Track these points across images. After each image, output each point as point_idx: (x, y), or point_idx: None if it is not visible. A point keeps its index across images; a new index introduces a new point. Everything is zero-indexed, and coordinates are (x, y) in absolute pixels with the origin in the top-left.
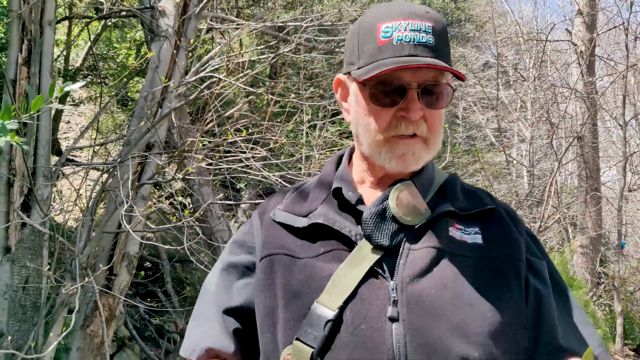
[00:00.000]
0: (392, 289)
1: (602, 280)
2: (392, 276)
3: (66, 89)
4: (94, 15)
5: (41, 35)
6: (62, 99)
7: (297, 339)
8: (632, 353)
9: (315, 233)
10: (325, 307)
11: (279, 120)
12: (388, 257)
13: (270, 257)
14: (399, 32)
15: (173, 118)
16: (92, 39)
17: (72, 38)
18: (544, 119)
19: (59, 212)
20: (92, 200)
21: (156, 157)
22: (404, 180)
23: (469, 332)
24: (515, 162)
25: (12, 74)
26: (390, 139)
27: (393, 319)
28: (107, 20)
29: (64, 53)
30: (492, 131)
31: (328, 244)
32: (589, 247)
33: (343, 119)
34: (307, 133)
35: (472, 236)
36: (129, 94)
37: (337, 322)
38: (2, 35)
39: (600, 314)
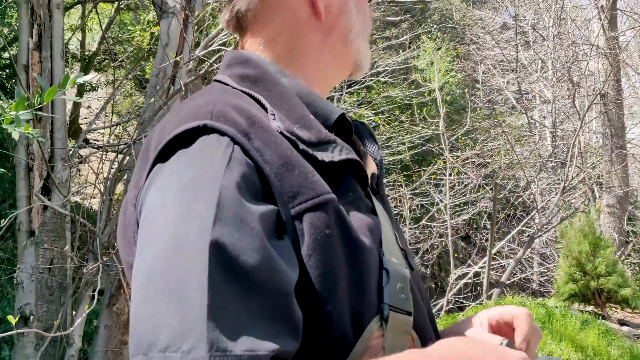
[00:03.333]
0: (397, 239)
1: (630, 239)
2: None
3: (79, 80)
4: None
5: (50, 19)
6: (80, 89)
7: (392, 307)
8: None
9: (336, 171)
10: (396, 263)
11: None
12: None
13: (322, 204)
14: None
15: (188, 94)
16: (105, 23)
17: (85, 22)
18: (565, 78)
19: (78, 193)
20: (109, 180)
21: None
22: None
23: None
24: (537, 123)
25: (24, 59)
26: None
27: (414, 269)
28: (120, 3)
29: (79, 38)
30: (513, 94)
31: (352, 186)
32: (616, 206)
33: (361, 89)
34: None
35: None
36: (146, 75)
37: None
38: (14, 24)
39: (629, 273)
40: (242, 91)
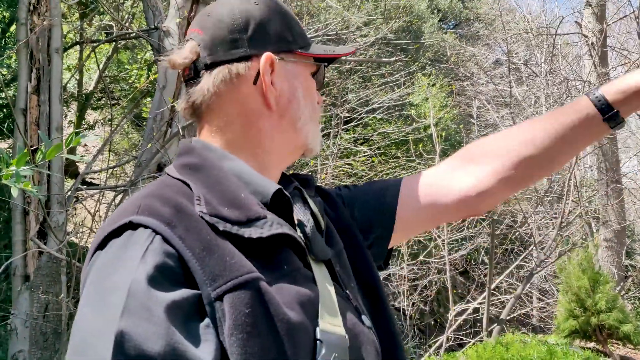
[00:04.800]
0: (351, 299)
1: (629, 273)
2: (340, 286)
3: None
4: (104, 39)
5: (49, 64)
6: (76, 134)
7: None
8: None
9: (268, 246)
10: (333, 333)
11: None
12: (328, 267)
13: (242, 284)
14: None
15: (186, 135)
16: (103, 62)
17: (82, 62)
18: None
19: (75, 235)
20: None
21: None
22: (291, 179)
23: (389, 313)
24: None
25: (23, 103)
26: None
27: (369, 328)
28: (117, 43)
29: (77, 77)
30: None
31: (288, 259)
32: (614, 241)
33: (356, 126)
34: (321, 142)
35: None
36: (143, 114)
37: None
38: (12, 65)
39: (630, 308)
40: (179, 179)
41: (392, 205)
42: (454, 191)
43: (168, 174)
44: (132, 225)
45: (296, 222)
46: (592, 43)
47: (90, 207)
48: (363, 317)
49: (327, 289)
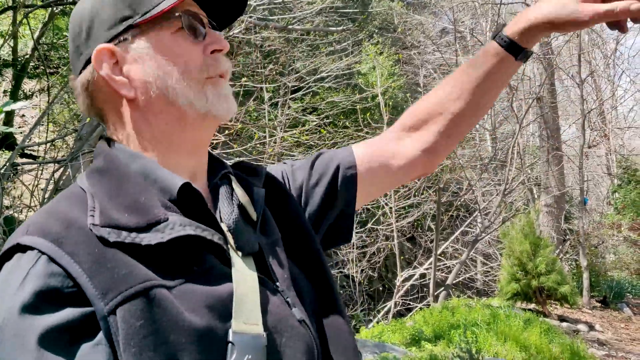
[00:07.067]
0: (281, 291)
1: (567, 237)
2: (271, 279)
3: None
4: (39, 3)
5: None
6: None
7: None
8: (598, 305)
9: (173, 249)
10: (247, 333)
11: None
12: (256, 258)
13: (133, 295)
14: None
15: None
16: (39, 28)
17: (16, 28)
18: None
19: (14, 211)
20: (46, 200)
21: None
22: (219, 167)
23: (337, 299)
24: (477, 126)
25: None
26: (209, 80)
27: (300, 321)
28: (54, 8)
29: (11, 44)
30: None
31: (199, 259)
32: (554, 206)
33: (304, 95)
34: (268, 112)
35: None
36: None
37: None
38: None
39: (567, 269)
40: (82, 188)
41: (352, 177)
42: (405, 156)
43: (77, 182)
44: (21, 248)
45: (217, 214)
46: None
47: (29, 181)
48: (294, 310)
49: (247, 285)
